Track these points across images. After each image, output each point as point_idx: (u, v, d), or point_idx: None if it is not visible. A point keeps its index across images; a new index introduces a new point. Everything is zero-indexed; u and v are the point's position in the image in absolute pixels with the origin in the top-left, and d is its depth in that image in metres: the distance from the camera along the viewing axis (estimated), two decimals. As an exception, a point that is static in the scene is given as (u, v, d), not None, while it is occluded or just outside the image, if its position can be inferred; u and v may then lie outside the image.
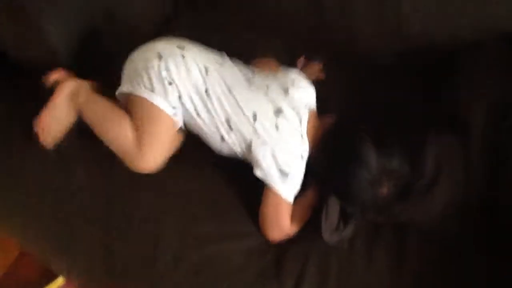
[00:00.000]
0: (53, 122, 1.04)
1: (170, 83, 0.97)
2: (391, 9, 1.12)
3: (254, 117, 0.98)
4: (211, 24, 1.34)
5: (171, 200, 1.01)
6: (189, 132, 1.05)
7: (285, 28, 1.29)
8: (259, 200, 0.98)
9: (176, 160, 1.03)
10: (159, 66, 0.97)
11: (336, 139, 0.97)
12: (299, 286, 0.91)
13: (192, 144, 1.05)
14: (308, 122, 1.00)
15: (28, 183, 1.06)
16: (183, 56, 0.99)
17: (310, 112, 1.03)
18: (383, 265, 0.93)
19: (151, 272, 0.94)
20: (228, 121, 0.99)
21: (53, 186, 1.04)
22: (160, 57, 0.98)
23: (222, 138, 1.00)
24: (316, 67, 1.22)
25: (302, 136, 0.99)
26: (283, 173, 0.95)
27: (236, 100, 0.99)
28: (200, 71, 0.99)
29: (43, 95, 1.06)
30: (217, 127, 0.99)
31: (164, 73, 0.97)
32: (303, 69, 1.21)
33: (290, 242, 0.97)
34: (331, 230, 0.93)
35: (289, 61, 1.22)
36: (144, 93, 0.98)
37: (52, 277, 1.38)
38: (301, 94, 1.04)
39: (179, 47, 1.01)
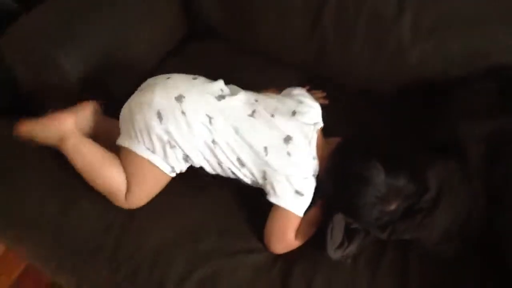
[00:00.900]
0: (33, 134, 1.06)
1: (172, 147, 0.98)
2: (391, 39, 1.18)
3: (265, 151, 0.99)
4: (215, 55, 1.41)
5: (174, 218, 1.04)
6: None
7: (287, 59, 1.35)
8: (262, 214, 1.01)
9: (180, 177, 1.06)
10: (160, 129, 0.97)
11: (344, 159, 0.99)
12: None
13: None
14: (316, 140, 1.03)
15: (28, 213, 1.07)
16: (183, 113, 0.97)
17: (318, 130, 1.05)
18: (386, 284, 0.96)
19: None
20: (239, 160, 1.00)
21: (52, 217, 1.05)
22: (160, 117, 0.96)
23: (233, 173, 1.03)
24: (319, 94, 1.27)
25: (313, 157, 1.01)
26: (299, 194, 0.98)
27: (244, 139, 0.99)
28: (204, 124, 0.98)
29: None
30: (228, 167, 1.02)
31: (165, 137, 0.97)
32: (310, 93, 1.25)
33: (295, 259, 0.99)
34: (335, 247, 0.96)
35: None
36: (144, 153, 0.99)
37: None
38: (308, 114, 1.04)
39: (177, 99, 0.97)
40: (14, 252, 1.42)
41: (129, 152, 1.00)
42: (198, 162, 1.03)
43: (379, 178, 0.93)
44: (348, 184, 0.96)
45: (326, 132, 1.08)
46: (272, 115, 1.02)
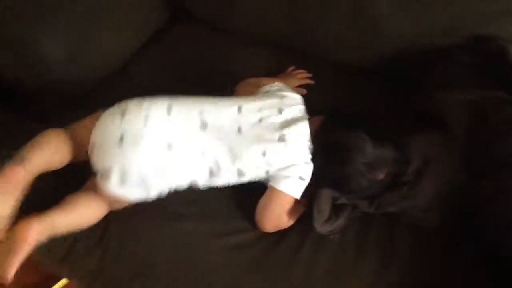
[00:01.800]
0: None
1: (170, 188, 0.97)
2: (368, 11, 1.18)
3: (264, 154, 0.98)
4: (195, 38, 1.40)
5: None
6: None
7: (267, 34, 1.35)
8: (245, 198, 1.03)
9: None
10: (156, 182, 0.94)
11: (330, 132, 1.01)
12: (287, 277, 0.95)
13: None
14: (309, 126, 1.03)
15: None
16: (177, 160, 0.95)
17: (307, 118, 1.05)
18: (373, 256, 0.97)
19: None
20: (239, 171, 0.99)
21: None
22: (155, 171, 0.93)
23: (233, 184, 1.02)
24: (304, 74, 1.28)
25: (308, 141, 1.02)
26: (301, 179, 0.99)
27: (241, 154, 0.98)
28: (198, 160, 0.97)
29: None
30: (228, 181, 1.01)
31: (163, 185, 0.96)
32: (292, 76, 1.26)
33: (282, 234, 1.00)
34: (322, 221, 0.98)
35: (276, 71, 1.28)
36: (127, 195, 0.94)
37: (55, 279, 1.40)
38: (295, 107, 1.05)
39: (169, 147, 0.94)
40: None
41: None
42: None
43: (366, 146, 0.96)
44: (336, 155, 0.99)
45: (308, 108, 1.08)
46: (261, 121, 1.01)
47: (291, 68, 1.29)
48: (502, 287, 0.92)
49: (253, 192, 1.02)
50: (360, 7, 1.19)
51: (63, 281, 1.41)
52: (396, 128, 1.06)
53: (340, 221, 0.99)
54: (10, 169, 0.88)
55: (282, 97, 1.07)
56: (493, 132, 0.99)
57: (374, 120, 1.07)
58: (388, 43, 1.22)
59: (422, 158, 1.00)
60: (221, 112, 1.01)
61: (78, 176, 0.99)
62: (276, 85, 1.12)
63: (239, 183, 1.02)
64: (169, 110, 0.96)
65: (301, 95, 1.10)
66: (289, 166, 0.99)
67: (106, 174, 0.92)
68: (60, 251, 1.00)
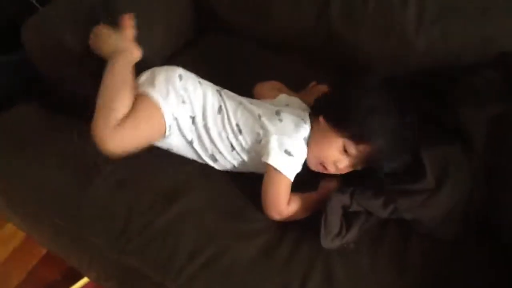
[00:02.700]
0: (104, 37, 1.09)
1: (184, 102, 1.07)
2: (397, 27, 1.20)
3: (259, 116, 1.07)
4: (224, 48, 1.44)
5: (180, 202, 1.05)
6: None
7: (296, 46, 1.38)
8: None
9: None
10: (179, 85, 1.08)
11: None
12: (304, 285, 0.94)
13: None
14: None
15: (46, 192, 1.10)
16: (199, 82, 1.12)
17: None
18: (388, 267, 0.97)
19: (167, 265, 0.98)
20: (237, 126, 1.08)
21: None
22: (181, 78, 1.09)
23: (232, 147, 1.08)
24: (325, 88, 1.27)
25: (305, 121, 1.06)
26: (288, 154, 1.01)
27: (245, 108, 1.10)
28: (215, 93, 1.12)
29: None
30: (226, 136, 1.08)
31: (181, 92, 1.07)
32: (313, 92, 1.27)
33: (299, 241, 1.00)
34: (332, 236, 0.96)
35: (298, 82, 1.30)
36: (157, 97, 1.04)
37: (77, 277, 1.42)
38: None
39: (196, 77, 1.13)
40: (33, 240, 1.47)
41: (142, 97, 1.05)
42: (200, 126, 1.08)
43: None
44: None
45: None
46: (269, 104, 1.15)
47: (312, 84, 1.31)
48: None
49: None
50: (391, 23, 1.21)
51: (84, 280, 1.43)
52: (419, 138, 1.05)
53: (352, 234, 0.98)
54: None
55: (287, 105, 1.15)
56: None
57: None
58: (416, 59, 1.22)
59: (442, 167, 0.99)
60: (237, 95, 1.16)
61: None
62: (293, 99, 1.18)
63: (242, 158, 1.08)
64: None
65: None
66: (276, 134, 1.02)
67: (139, 77, 1.09)
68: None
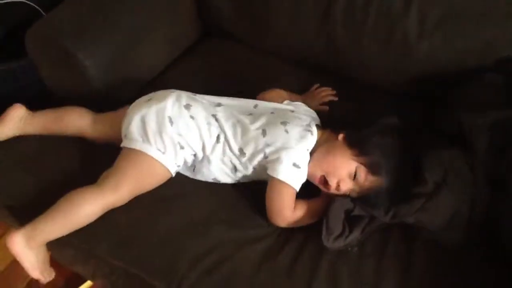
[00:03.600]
0: None
1: (181, 148, 1.05)
2: (398, 34, 1.20)
3: (264, 133, 1.06)
4: (227, 54, 1.45)
5: (181, 210, 1.06)
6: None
7: (298, 55, 1.38)
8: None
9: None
10: (172, 131, 1.04)
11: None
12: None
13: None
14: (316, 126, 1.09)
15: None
16: (192, 118, 1.06)
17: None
18: (391, 271, 0.96)
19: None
20: (241, 149, 1.06)
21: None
22: (171, 121, 1.04)
23: (235, 168, 1.08)
24: (328, 92, 1.30)
25: (311, 132, 1.06)
26: (297, 166, 1.02)
27: (245, 125, 1.07)
28: (210, 123, 1.07)
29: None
30: (230, 161, 1.07)
31: (176, 139, 1.05)
32: (316, 94, 1.29)
33: (302, 245, 1.01)
34: (334, 236, 0.97)
35: (300, 89, 1.31)
36: (155, 154, 1.04)
37: (80, 282, 1.42)
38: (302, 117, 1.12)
39: (186, 107, 1.07)
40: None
41: (139, 153, 1.04)
42: (202, 161, 1.08)
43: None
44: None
45: (336, 126, 1.11)
46: (272, 113, 1.12)
47: (315, 86, 1.31)
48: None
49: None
50: (392, 30, 1.21)
51: (88, 284, 1.43)
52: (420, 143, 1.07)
53: (354, 235, 0.99)
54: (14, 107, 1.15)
55: (292, 111, 1.14)
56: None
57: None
58: (419, 66, 1.23)
59: (442, 172, 1.00)
60: (237, 100, 1.15)
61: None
62: (297, 104, 1.18)
63: (245, 173, 1.07)
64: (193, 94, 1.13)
65: (324, 112, 1.17)
66: (285, 149, 1.02)
67: (128, 124, 1.05)
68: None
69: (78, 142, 1.17)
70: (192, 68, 1.39)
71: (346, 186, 1.01)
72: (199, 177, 1.12)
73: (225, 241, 1.01)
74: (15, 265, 1.47)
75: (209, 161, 1.08)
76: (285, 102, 1.19)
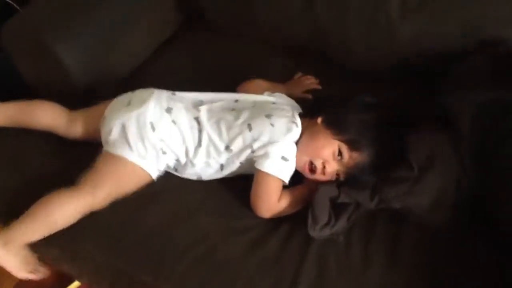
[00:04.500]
0: None
1: (164, 153, 1.05)
2: (381, 16, 1.19)
3: (249, 127, 1.05)
4: (209, 43, 1.43)
5: (169, 201, 1.05)
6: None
7: (283, 41, 1.37)
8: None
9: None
10: (154, 138, 1.03)
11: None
12: (297, 278, 0.93)
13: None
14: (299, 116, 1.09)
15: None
16: (174, 122, 1.05)
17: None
18: (379, 256, 0.96)
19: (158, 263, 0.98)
20: (227, 147, 1.05)
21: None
22: (153, 128, 1.03)
23: (222, 166, 1.07)
24: (312, 79, 1.29)
25: (296, 124, 1.06)
26: (285, 159, 1.02)
27: (229, 121, 1.06)
28: (192, 128, 1.06)
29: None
30: (216, 161, 1.06)
31: (159, 144, 1.03)
32: (299, 82, 1.28)
33: (289, 234, 1.00)
34: (320, 226, 0.97)
35: (285, 76, 1.30)
36: (137, 161, 1.02)
37: (68, 281, 1.41)
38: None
39: (167, 111, 1.06)
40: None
41: (119, 158, 1.03)
42: (186, 164, 1.07)
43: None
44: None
45: (314, 111, 1.11)
46: (253, 106, 1.12)
47: (298, 75, 1.31)
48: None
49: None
50: (374, 12, 1.20)
51: (76, 284, 1.42)
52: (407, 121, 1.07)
53: (341, 223, 0.98)
54: None
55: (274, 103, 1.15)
56: (502, 132, 0.98)
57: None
58: (402, 48, 1.22)
59: (427, 155, 1.00)
60: (217, 95, 1.14)
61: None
62: (276, 95, 1.17)
63: (232, 169, 1.07)
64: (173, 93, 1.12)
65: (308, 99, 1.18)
66: (272, 143, 1.02)
67: (109, 131, 1.03)
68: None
69: (51, 137, 1.14)
70: (173, 59, 1.37)
71: (332, 167, 1.02)
72: (184, 176, 1.11)
73: (213, 231, 1.01)
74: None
75: (192, 164, 1.07)
76: (266, 93, 1.18)
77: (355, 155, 1.01)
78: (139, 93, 1.10)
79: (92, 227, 1.02)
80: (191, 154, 1.06)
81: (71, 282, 1.42)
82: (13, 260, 1.02)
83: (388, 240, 0.99)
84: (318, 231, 0.97)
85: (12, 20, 1.18)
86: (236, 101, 1.14)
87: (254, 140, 1.04)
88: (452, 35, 1.16)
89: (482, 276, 0.93)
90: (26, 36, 1.18)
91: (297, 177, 1.07)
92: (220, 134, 1.06)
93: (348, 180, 1.03)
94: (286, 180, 1.03)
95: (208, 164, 1.07)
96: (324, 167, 1.02)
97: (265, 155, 1.02)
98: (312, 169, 1.03)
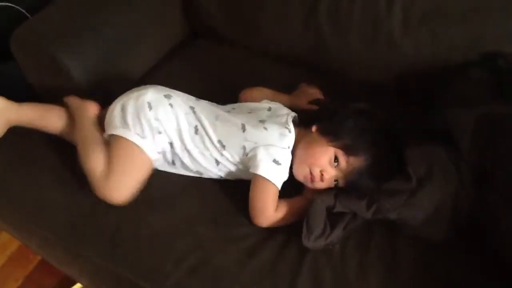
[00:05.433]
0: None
1: (159, 132, 1.07)
2: (383, 30, 1.20)
3: (243, 127, 1.07)
4: (214, 54, 1.45)
5: (168, 209, 1.07)
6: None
7: (286, 54, 1.38)
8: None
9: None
10: (150, 115, 1.05)
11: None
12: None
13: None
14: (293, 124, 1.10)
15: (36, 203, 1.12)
16: (170, 105, 1.08)
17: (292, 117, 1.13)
18: (375, 268, 0.96)
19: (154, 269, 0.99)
20: (220, 142, 1.07)
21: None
22: (150, 106, 1.06)
23: (217, 161, 1.09)
24: (316, 90, 1.29)
25: (289, 130, 1.07)
26: (277, 163, 1.03)
27: (224, 122, 1.09)
28: (188, 114, 1.09)
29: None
30: (210, 154, 1.08)
31: (154, 124, 1.06)
32: (303, 92, 1.28)
33: (285, 244, 1.00)
34: (315, 236, 0.97)
35: (289, 87, 1.30)
36: (134, 138, 1.05)
37: (72, 283, 1.43)
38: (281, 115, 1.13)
39: (166, 96, 1.09)
40: (27, 248, 1.48)
41: (120, 139, 1.06)
42: (179, 150, 1.09)
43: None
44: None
45: (309, 120, 1.11)
46: (249, 112, 1.14)
47: (302, 85, 1.31)
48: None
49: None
50: (376, 26, 1.21)
51: (78, 286, 1.44)
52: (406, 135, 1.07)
53: (336, 233, 0.99)
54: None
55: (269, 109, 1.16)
56: (501, 147, 0.98)
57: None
58: (404, 62, 1.22)
59: (425, 168, 1.00)
60: (214, 104, 1.17)
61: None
62: (273, 103, 1.18)
63: (227, 167, 1.09)
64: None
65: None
66: (264, 146, 1.04)
67: (111, 112, 1.08)
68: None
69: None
70: (178, 69, 1.39)
71: (329, 174, 1.03)
72: (182, 171, 1.13)
73: (209, 239, 1.02)
74: (6, 266, 1.49)
75: (189, 152, 1.09)
76: (264, 101, 1.20)
77: (352, 160, 1.01)
78: (143, 86, 1.14)
79: (93, 230, 1.05)
80: (186, 140, 1.08)
81: (74, 284, 1.44)
82: None
83: (384, 252, 0.99)
84: (312, 242, 0.97)
85: (19, 28, 1.21)
86: (233, 108, 1.17)
87: (246, 140, 1.06)
88: (453, 50, 1.17)
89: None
90: (32, 45, 1.21)
91: (296, 187, 1.08)
92: (214, 128, 1.08)
93: (347, 187, 1.03)
94: (278, 185, 1.03)
95: (203, 155, 1.08)
96: (322, 174, 1.02)
97: (256, 157, 1.03)
98: (311, 178, 1.04)
